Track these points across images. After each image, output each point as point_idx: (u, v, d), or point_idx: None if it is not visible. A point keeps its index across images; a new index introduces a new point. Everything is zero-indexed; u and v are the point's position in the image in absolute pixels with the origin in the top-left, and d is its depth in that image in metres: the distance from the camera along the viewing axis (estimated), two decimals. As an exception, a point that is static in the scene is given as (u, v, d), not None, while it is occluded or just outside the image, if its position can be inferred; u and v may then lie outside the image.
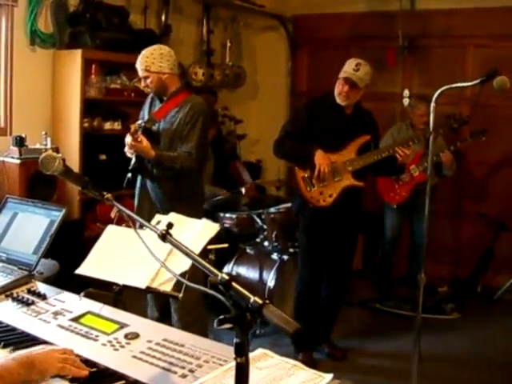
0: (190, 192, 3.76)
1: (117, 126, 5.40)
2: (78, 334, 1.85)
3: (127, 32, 5.30)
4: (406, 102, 6.39)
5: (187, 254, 1.38)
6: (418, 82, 6.31)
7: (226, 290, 1.14)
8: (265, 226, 4.91)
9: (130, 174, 3.75)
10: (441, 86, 6.16)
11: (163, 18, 5.81)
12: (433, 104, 2.96)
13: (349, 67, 3.93)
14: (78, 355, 1.70)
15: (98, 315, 1.96)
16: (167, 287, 2.27)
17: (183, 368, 1.63)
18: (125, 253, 2.38)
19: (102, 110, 5.34)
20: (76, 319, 1.95)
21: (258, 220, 4.98)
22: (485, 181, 6.09)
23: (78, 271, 2.31)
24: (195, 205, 3.73)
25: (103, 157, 5.30)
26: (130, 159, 5.64)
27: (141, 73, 3.69)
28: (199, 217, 3.92)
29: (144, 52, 3.67)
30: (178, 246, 1.41)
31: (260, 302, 1.09)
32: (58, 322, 1.93)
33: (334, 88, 4.02)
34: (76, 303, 2.07)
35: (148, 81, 3.67)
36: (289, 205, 4.93)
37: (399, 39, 6.12)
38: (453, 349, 4.51)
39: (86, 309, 2.01)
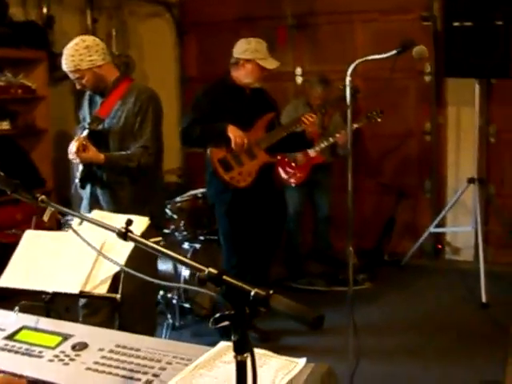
0: (148, 193, 3.37)
1: (5, 125, 5.12)
2: (17, 352, 1.67)
3: (8, 25, 4.99)
4: (298, 79, 6.47)
5: (160, 252, 1.26)
6: (309, 59, 6.37)
7: (218, 285, 1.05)
8: (175, 216, 4.81)
9: (77, 180, 3.30)
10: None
11: (45, 9, 5.52)
12: (348, 78, 2.95)
13: (266, 52, 3.97)
14: (22, 376, 1.55)
15: (36, 329, 1.79)
16: (102, 289, 2.14)
17: (146, 373, 1.51)
18: (49, 258, 2.23)
19: (-12, 110, 5.03)
20: (11, 337, 1.76)
21: (166, 211, 4.87)
22: (382, 152, 6.26)
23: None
24: (155, 207, 3.37)
25: (-8, 159, 4.98)
26: (22, 161, 5.34)
27: (71, 75, 3.24)
28: (162, 218, 3.63)
29: (67, 51, 3.21)
30: (144, 243, 1.29)
31: (263, 293, 1.00)
32: (-9, 343, 1.74)
33: (229, 70, 4.05)
34: (5, 319, 1.88)
35: (83, 80, 3.23)
36: (194, 192, 4.88)
37: (288, 18, 6.15)
38: (373, 318, 4.58)
39: (20, 324, 1.83)
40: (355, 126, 5.28)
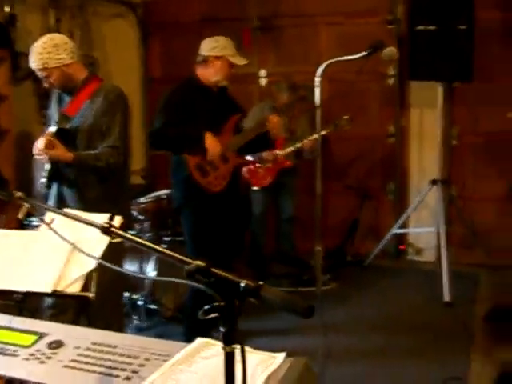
0: (115, 192, 3.33)
1: (-28, 128, 5.00)
2: (-9, 352, 1.66)
3: (-31, 24, 4.90)
4: (262, 81, 6.51)
5: (146, 246, 1.26)
6: (273, 61, 6.42)
7: (206, 277, 1.05)
8: (140, 217, 4.78)
9: (44, 180, 3.25)
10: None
11: (7, 7, 5.42)
12: (319, 78, 2.97)
13: (234, 49, 3.99)
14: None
15: (9, 328, 1.77)
16: (75, 288, 2.11)
17: (124, 370, 1.50)
18: (18, 257, 2.18)
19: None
20: (-17, 336, 1.74)
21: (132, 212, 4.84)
22: (346, 155, 6.31)
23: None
24: (123, 206, 3.33)
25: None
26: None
27: (39, 73, 3.20)
28: (129, 219, 3.61)
29: (35, 49, 3.16)
30: (129, 238, 1.29)
31: (253, 284, 1.01)
32: (-37, 344, 1.71)
33: (194, 71, 4.03)
34: (-24, 319, 1.85)
35: (51, 79, 3.20)
36: (158, 193, 4.88)
37: (253, 20, 6.19)
38: (338, 318, 4.61)
39: (-8, 323, 1.80)
40: (322, 132, 5.32)
